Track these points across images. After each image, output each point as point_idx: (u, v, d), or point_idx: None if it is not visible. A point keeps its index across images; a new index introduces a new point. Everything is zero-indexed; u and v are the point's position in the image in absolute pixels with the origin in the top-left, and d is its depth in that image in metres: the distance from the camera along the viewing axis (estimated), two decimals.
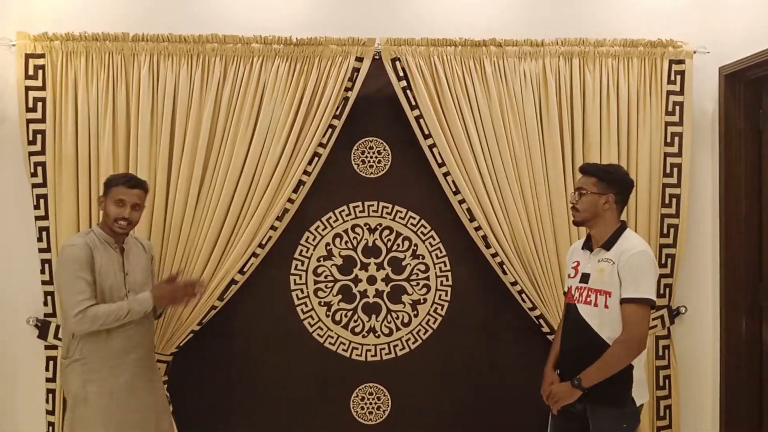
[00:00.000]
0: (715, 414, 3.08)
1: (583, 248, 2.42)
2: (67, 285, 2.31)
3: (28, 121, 2.80)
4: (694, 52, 2.95)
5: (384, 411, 3.05)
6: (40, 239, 2.82)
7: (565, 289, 2.52)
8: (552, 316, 2.90)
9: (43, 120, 2.81)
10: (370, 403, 3.04)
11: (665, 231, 2.96)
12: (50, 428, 2.85)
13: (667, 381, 3.00)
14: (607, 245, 2.30)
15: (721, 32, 3.00)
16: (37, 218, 2.82)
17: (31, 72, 2.80)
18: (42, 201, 2.82)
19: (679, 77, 2.94)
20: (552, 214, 2.89)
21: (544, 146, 2.89)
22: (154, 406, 2.51)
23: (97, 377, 2.35)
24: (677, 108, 2.95)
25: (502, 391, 3.05)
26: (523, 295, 2.90)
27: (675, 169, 2.95)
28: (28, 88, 2.80)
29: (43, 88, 2.81)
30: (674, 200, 2.96)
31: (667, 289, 2.98)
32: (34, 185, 2.82)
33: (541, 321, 2.91)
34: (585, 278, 2.33)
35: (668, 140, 2.95)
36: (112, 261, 2.41)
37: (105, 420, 2.35)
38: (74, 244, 2.35)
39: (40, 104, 2.81)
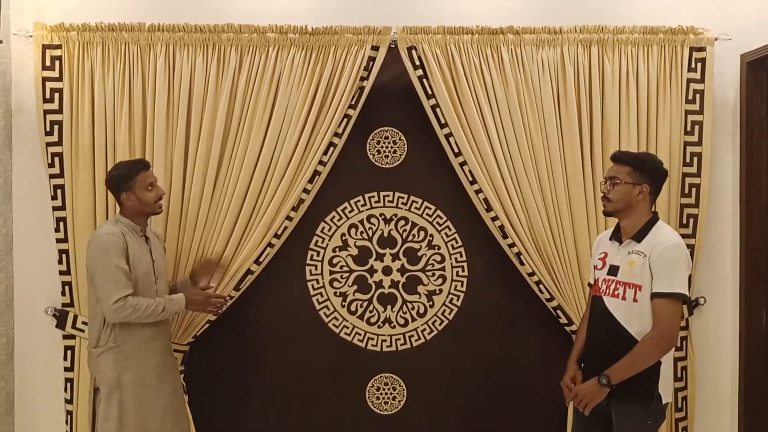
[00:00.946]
0: (734, 406, 3.05)
1: (611, 239, 2.34)
2: (105, 272, 2.35)
3: (46, 112, 2.82)
4: (716, 39, 2.89)
5: (399, 401, 3.04)
6: (57, 230, 2.84)
7: (590, 281, 2.47)
8: (570, 307, 2.87)
9: (60, 111, 2.82)
10: (386, 393, 3.04)
11: (685, 221, 2.92)
12: (69, 417, 2.88)
13: (684, 372, 2.97)
14: (638, 237, 2.23)
15: (743, 18, 2.95)
16: (55, 209, 2.84)
17: (48, 63, 2.81)
18: (59, 191, 2.83)
19: (699, 65, 2.90)
20: (570, 203, 2.86)
21: (562, 135, 2.86)
22: (175, 393, 2.57)
23: (131, 364, 2.41)
24: (698, 96, 2.90)
25: (518, 382, 3.04)
26: (541, 286, 2.87)
27: (695, 159, 2.91)
28: (45, 79, 2.81)
29: (60, 78, 2.82)
30: (694, 190, 2.92)
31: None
32: (52, 176, 2.83)
33: (558, 312, 2.89)
34: (614, 270, 2.25)
35: (688, 129, 2.90)
36: (143, 249, 2.47)
37: (138, 406, 2.41)
38: (111, 233, 2.39)
39: (57, 95, 2.82)
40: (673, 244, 2.17)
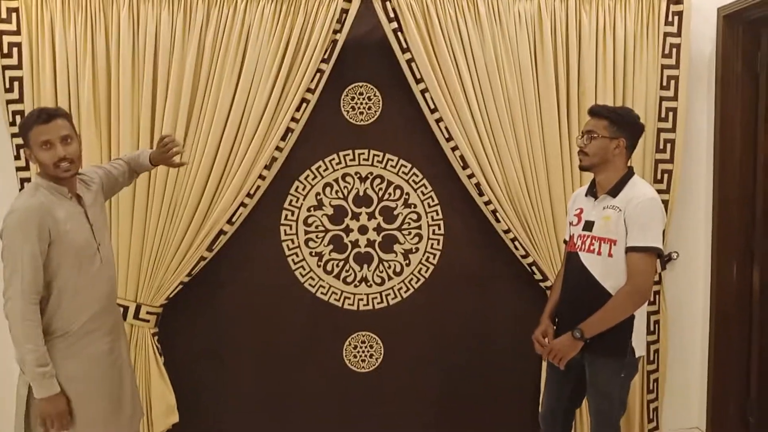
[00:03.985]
0: (704, 358, 3.12)
1: (586, 195, 2.33)
2: (16, 259, 1.92)
3: (4, 68, 2.68)
4: None
5: (376, 359, 3.05)
6: (21, 190, 2.75)
7: (566, 237, 2.46)
8: (545, 264, 2.88)
9: (19, 66, 2.69)
10: (363, 352, 3.05)
11: (659, 176, 2.93)
12: None
13: (657, 326, 3.02)
14: (614, 192, 2.22)
15: None
16: (18, 169, 2.74)
17: (4, 15, 2.67)
18: (22, 151, 2.71)
19: (676, 18, 2.86)
20: (546, 159, 2.84)
21: (538, 89, 2.82)
22: (128, 374, 2.28)
23: (79, 348, 2.06)
24: (674, 50, 2.88)
25: (494, 339, 3.06)
26: (516, 243, 2.87)
27: (670, 114, 2.90)
28: (2, 33, 2.67)
29: (18, 32, 2.68)
30: (669, 145, 2.92)
31: None
32: (14, 135, 2.72)
33: (533, 269, 2.90)
34: (589, 226, 2.25)
35: (664, 84, 2.89)
36: (75, 215, 2.06)
37: (101, 391, 2.11)
38: (27, 208, 1.95)
39: (15, 50, 2.68)
40: (648, 199, 2.17)
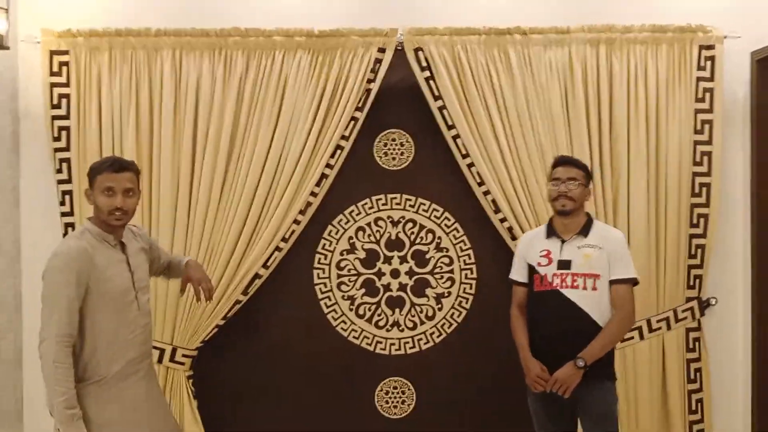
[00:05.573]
0: (747, 406, 3.02)
1: (548, 237, 2.44)
2: (54, 301, 1.96)
3: (53, 118, 2.83)
4: (725, 37, 2.87)
5: (408, 405, 3.02)
6: (65, 235, 2.83)
7: (517, 278, 2.50)
8: None
9: (67, 116, 2.83)
10: (395, 397, 3.02)
11: (695, 221, 2.90)
12: None
13: (698, 374, 2.94)
14: (584, 232, 2.41)
15: (753, 15, 2.93)
16: (63, 214, 2.85)
17: (55, 68, 2.82)
18: (67, 197, 2.84)
19: (709, 63, 2.87)
20: None
21: (570, 136, 2.84)
22: (166, 407, 2.31)
23: (115, 393, 2.05)
24: (707, 95, 2.88)
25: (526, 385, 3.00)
26: None
27: (705, 158, 2.89)
28: (53, 85, 2.83)
29: (67, 84, 2.83)
30: (704, 189, 2.89)
31: (697, 281, 2.92)
32: (60, 181, 2.84)
33: None
34: (566, 264, 2.38)
35: (698, 128, 2.88)
36: (117, 260, 2.09)
37: None
38: (69, 252, 1.99)
39: (64, 101, 2.83)
40: (622, 237, 2.45)
